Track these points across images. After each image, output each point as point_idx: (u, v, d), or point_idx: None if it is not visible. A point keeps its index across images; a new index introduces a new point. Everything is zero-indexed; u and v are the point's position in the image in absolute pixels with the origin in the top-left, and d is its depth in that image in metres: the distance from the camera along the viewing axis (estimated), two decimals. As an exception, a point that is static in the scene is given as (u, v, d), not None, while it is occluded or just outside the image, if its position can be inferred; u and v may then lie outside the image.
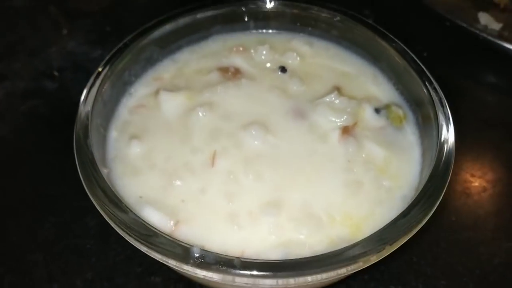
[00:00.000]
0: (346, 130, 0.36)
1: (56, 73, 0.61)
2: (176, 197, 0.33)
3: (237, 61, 0.42)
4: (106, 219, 0.29)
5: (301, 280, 0.25)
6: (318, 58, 0.43)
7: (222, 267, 0.26)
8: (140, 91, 0.40)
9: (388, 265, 0.42)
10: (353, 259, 0.26)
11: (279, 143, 0.36)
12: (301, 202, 0.32)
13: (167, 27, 0.41)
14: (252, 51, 0.43)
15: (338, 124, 0.37)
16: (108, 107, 0.38)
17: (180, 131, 0.37)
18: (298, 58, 0.42)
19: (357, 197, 0.33)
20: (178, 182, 0.34)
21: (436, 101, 0.35)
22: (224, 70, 0.42)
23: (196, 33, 0.44)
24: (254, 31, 0.45)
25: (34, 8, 0.71)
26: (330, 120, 0.37)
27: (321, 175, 0.34)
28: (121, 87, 0.39)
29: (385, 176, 0.34)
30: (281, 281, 0.25)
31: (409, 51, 0.38)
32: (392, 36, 0.39)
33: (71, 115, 0.55)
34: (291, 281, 0.25)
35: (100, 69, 0.37)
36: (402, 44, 0.38)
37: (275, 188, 0.33)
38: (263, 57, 0.43)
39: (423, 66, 0.37)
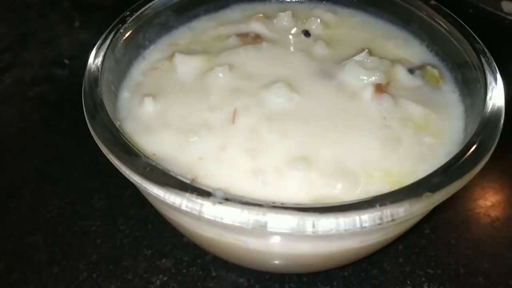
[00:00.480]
0: (379, 88, 0.33)
1: (66, 61, 0.59)
2: (193, 155, 0.30)
3: (257, 27, 0.40)
4: (118, 166, 0.25)
5: (340, 223, 0.22)
6: (343, 25, 0.41)
7: (249, 208, 0.22)
8: (154, 55, 0.38)
9: (424, 248, 0.38)
10: (401, 201, 0.22)
11: (305, 101, 0.33)
12: (333, 159, 0.29)
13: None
14: (274, 19, 0.41)
15: (370, 81, 0.33)
16: (120, 67, 0.35)
17: (197, 91, 0.34)
18: (321, 25, 0.40)
19: (396, 153, 0.29)
20: (195, 139, 0.30)
21: (481, 56, 0.31)
22: (243, 35, 0.39)
23: (214, 2, 0.42)
24: (274, 0, 0.43)
25: (47, 3, 0.70)
26: (361, 79, 0.34)
27: (354, 131, 0.31)
28: (135, 50, 0.37)
29: (426, 132, 0.31)
30: (322, 224, 0.21)
31: (445, 8, 0.35)
32: (424, -5, 0.37)
33: (80, 100, 0.53)
34: (332, 222, 0.21)
35: (112, 25, 0.34)
36: (437, 3, 0.36)
37: (302, 144, 0.30)
38: (284, 23, 0.40)
39: (462, 22, 0.34)
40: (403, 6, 0.38)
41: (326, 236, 0.23)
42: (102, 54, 0.32)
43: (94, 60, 0.31)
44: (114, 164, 0.26)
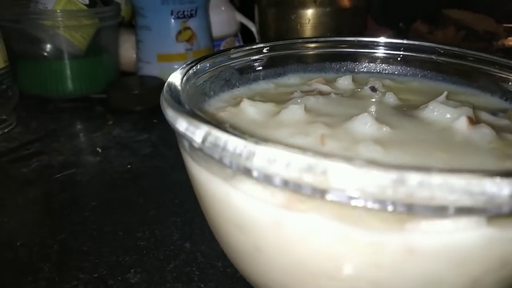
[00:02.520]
0: (471, 121, 0.31)
1: (99, 150, 0.56)
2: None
3: (320, 86, 0.39)
4: (217, 138, 0.21)
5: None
6: (404, 87, 0.41)
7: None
8: (218, 104, 0.36)
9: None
10: None
11: (396, 131, 0.30)
12: (451, 171, 0.25)
13: (252, 51, 0.40)
14: (334, 82, 0.41)
15: (460, 115, 0.31)
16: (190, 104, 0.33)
17: (273, 125, 0.31)
18: (383, 87, 0.40)
19: (518, 169, 0.26)
20: (285, 158, 0.26)
21: None
22: (308, 91, 0.38)
23: (272, 68, 0.42)
24: (330, 72, 0.44)
25: (80, 108, 0.71)
26: (447, 117, 0.32)
27: (462, 151, 0.27)
28: (202, 95, 0.35)
29: (540, 155, 0.27)
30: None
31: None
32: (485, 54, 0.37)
33: (112, 182, 0.50)
34: None
35: (186, 64, 0.33)
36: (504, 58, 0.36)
37: (410, 162, 0.26)
38: (346, 83, 0.40)
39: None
40: (467, 66, 0.39)
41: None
42: (180, 76, 0.30)
43: (175, 79, 0.29)
44: (206, 141, 0.21)
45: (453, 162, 0.26)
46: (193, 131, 0.22)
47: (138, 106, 0.69)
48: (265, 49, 0.41)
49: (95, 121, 0.65)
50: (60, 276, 0.35)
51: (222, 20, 0.92)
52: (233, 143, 0.20)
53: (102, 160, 0.54)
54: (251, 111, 0.34)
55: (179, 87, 0.28)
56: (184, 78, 0.31)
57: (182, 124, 0.23)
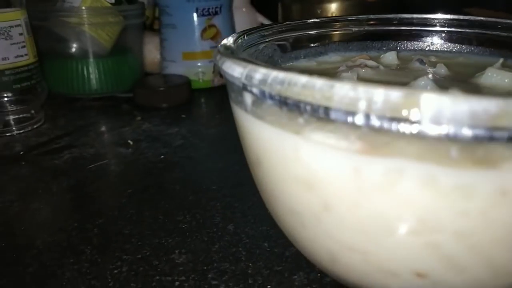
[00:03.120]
0: (535, 83, 0.29)
1: (130, 142, 0.56)
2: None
3: (366, 62, 0.38)
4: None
5: None
6: (450, 62, 0.39)
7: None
8: (263, 79, 0.35)
9: None
10: None
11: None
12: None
13: (291, 28, 0.39)
14: (379, 58, 0.39)
15: (522, 79, 0.30)
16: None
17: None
18: (429, 62, 0.39)
19: None
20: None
21: None
22: (354, 66, 0.37)
23: (313, 48, 0.41)
24: (370, 51, 0.43)
25: (107, 106, 0.71)
26: (505, 81, 0.31)
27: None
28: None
29: None
30: None
31: None
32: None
33: (147, 171, 0.49)
34: None
35: (234, 35, 0.32)
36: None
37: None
38: (391, 58, 0.39)
39: None
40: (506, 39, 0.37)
41: None
42: (232, 40, 0.29)
43: (228, 41, 0.28)
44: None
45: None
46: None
47: (164, 103, 0.68)
48: (306, 27, 0.40)
49: (123, 117, 0.64)
50: (103, 258, 0.34)
51: (244, 21, 0.92)
52: (307, 83, 0.19)
53: (134, 152, 0.53)
54: (299, 81, 0.33)
55: (234, 46, 0.27)
56: (235, 44, 0.30)
57: (245, 73, 0.22)
